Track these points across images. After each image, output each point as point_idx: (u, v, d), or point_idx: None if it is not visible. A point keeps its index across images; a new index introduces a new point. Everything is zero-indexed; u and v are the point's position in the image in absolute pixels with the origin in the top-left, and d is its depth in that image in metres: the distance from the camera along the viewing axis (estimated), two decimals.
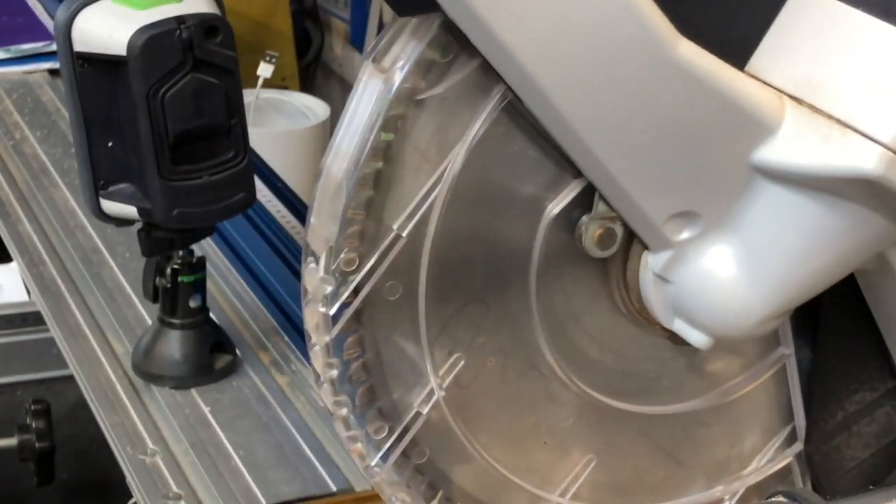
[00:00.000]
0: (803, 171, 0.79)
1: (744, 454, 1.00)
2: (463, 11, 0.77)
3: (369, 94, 0.82)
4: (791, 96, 0.80)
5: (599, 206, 0.85)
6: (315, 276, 0.84)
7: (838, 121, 0.78)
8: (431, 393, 0.87)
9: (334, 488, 1.09)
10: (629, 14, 0.77)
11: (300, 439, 1.15)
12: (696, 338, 0.88)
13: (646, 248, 0.87)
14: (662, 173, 0.82)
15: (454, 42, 0.80)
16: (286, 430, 1.16)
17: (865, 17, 0.78)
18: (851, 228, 0.82)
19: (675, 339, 0.91)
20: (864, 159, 0.77)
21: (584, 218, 0.86)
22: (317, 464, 1.12)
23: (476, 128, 0.82)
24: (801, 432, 1.00)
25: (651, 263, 0.87)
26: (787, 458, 1.00)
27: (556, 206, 0.86)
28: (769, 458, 1.00)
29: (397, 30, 0.82)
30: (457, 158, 0.82)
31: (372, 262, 0.83)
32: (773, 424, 1.00)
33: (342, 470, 1.11)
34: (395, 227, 0.83)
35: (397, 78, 0.81)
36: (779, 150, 0.80)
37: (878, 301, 0.94)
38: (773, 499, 0.87)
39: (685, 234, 0.85)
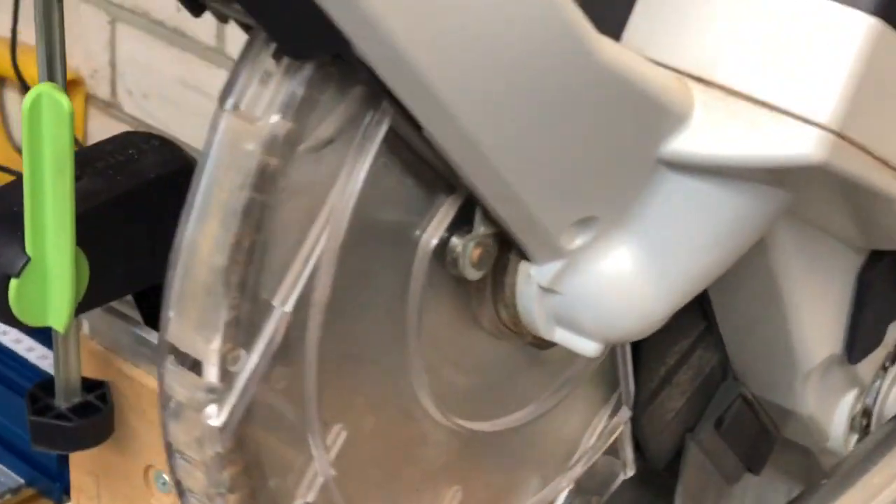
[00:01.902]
0: (728, 162, 0.71)
1: (578, 434, 0.93)
2: None
3: (232, 150, 0.64)
4: (694, 77, 0.71)
5: (481, 226, 0.74)
6: (188, 380, 0.66)
7: (763, 103, 0.70)
8: (316, 476, 0.73)
9: None
10: None
11: None
12: (585, 346, 0.79)
13: (524, 260, 0.76)
14: (566, 177, 0.71)
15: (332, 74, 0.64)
16: None
17: None
18: (762, 210, 0.75)
19: (541, 344, 0.81)
20: (803, 145, 0.69)
21: (455, 240, 0.74)
22: None
23: (365, 167, 0.67)
24: (629, 398, 0.94)
25: (535, 276, 0.76)
26: (619, 428, 0.94)
27: (433, 236, 0.73)
28: (600, 431, 0.94)
29: (251, 68, 0.64)
30: (348, 205, 0.67)
31: (259, 353, 0.67)
32: (602, 396, 0.93)
33: None
34: (275, 302, 0.67)
35: (269, 128, 0.63)
36: (695, 141, 0.71)
37: None
38: None
39: (579, 241, 0.75)
